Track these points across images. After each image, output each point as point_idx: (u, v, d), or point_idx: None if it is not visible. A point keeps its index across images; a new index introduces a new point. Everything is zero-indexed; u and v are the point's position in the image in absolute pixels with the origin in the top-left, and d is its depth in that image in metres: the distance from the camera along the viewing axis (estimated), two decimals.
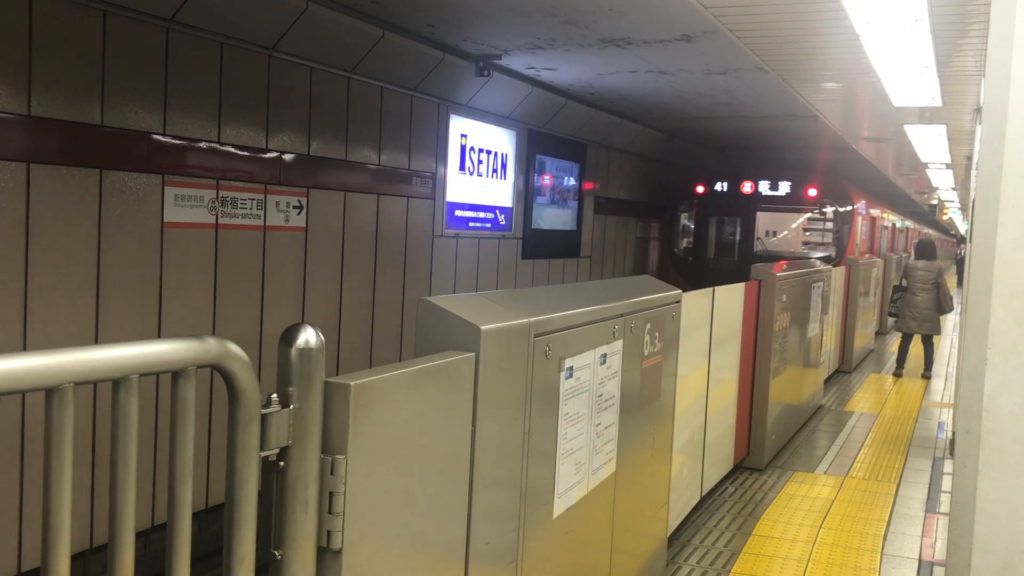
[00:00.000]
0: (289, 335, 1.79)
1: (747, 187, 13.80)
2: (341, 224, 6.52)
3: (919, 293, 11.07)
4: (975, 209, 2.70)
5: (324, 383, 1.83)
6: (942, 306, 11.00)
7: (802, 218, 14.94)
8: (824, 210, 14.31)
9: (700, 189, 14.06)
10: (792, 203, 14.01)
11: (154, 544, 5.04)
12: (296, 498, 1.80)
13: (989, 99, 2.23)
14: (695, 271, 13.65)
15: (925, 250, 11.39)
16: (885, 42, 5.57)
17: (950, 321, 18.62)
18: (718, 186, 14.01)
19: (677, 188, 14.23)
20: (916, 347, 11.65)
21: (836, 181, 14.55)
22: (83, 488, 4.62)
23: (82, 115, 4.61)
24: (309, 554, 1.83)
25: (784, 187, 13.75)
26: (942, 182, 17.00)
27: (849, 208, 14.18)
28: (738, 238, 14.25)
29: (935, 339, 11.25)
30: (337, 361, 6.56)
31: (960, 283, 29.53)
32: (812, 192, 13.66)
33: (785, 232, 15.09)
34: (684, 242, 14.54)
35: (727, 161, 14.61)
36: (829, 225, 14.56)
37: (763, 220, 14.31)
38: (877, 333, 13.95)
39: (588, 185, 10.75)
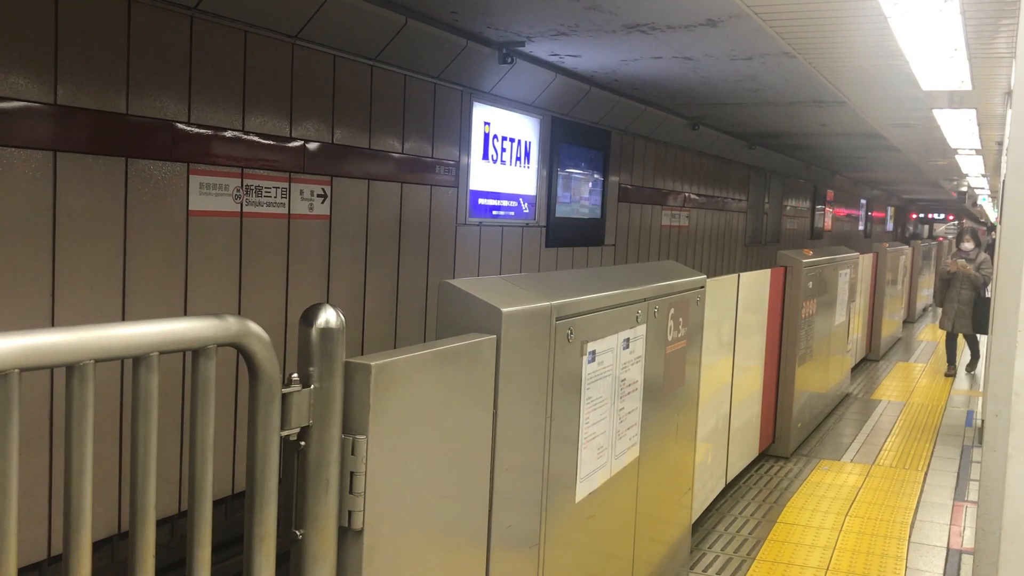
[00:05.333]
0: (309, 315, 1.79)
1: (930, 215, 47.43)
2: (365, 213, 6.53)
3: (963, 288, 10.02)
4: (1005, 192, 2.65)
5: (345, 363, 1.83)
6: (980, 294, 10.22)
7: (946, 225, 46.53)
8: (954, 221, 46.24)
9: (913, 216, 45.21)
10: (945, 220, 47.13)
11: (182, 530, 5.08)
12: (317, 478, 1.80)
13: (1020, 79, 2.19)
14: None
15: (971, 239, 10.79)
16: (914, 24, 5.48)
17: None
18: (920, 215, 46.55)
19: (902, 214, 41.81)
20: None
21: (959, 211, 43.35)
22: (111, 474, 4.67)
23: (108, 104, 4.64)
24: (330, 534, 1.83)
25: (942, 215, 47.18)
26: (972, 169, 16.95)
27: (962, 221, 41.78)
28: (927, 232, 44.74)
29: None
30: (362, 348, 6.58)
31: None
32: (951, 217, 46.67)
33: (943, 228, 44.94)
34: (907, 233, 39.66)
35: (924, 204, 43.71)
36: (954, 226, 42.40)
37: (936, 227, 47.27)
38: (905, 321, 13.93)
39: (612, 173, 10.69)
